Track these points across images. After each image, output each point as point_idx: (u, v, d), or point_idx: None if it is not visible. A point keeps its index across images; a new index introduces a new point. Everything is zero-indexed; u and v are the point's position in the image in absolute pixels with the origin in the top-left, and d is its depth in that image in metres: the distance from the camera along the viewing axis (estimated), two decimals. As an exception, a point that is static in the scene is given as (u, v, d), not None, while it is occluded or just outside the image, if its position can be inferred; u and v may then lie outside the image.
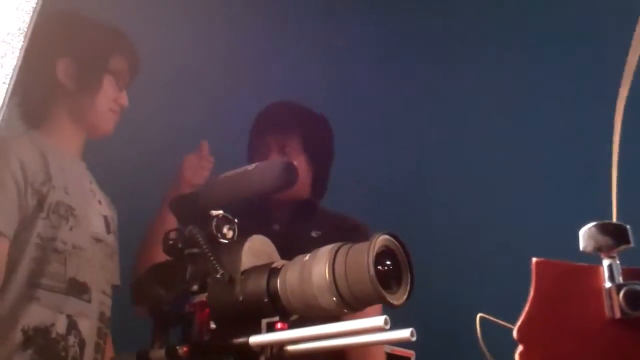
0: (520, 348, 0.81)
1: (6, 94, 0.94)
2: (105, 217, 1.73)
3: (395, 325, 0.88)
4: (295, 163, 1.90)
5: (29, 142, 1.64)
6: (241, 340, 1.01)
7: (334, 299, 0.96)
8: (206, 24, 2.47)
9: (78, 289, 1.60)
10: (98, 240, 1.68)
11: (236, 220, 1.16)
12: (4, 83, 0.95)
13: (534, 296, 0.83)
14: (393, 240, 0.97)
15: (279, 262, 1.06)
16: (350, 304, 0.96)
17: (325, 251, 0.98)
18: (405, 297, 0.97)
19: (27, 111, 1.70)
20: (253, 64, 2.65)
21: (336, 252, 0.97)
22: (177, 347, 1.07)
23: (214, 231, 1.13)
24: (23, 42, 0.97)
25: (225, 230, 1.14)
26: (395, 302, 0.95)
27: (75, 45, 1.69)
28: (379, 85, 2.84)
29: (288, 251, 1.09)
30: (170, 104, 2.32)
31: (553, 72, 2.82)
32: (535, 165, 2.73)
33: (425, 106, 2.91)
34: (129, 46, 1.76)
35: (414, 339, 0.91)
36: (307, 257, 1.01)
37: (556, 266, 0.84)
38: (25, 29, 0.97)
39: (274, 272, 1.03)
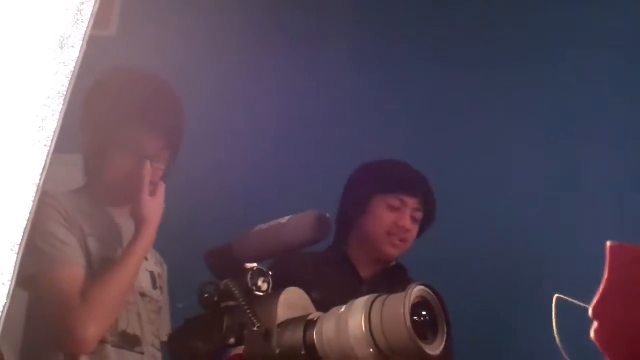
0: (595, 325, 0.83)
1: (48, 156, 0.97)
2: (152, 273, 1.74)
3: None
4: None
5: (78, 197, 1.67)
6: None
7: (371, 350, 0.97)
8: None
9: (130, 341, 1.62)
10: (143, 295, 1.69)
11: (270, 273, 1.17)
12: (45, 146, 0.98)
13: (609, 277, 0.85)
14: (428, 290, 0.98)
15: (314, 314, 1.07)
16: (387, 356, 0.97)
17: (361, 302, 0.99)
18: (442, 346, 0.97)
19: (85, 167, 1.71)
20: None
21: (372, 303, 0.98)
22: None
23: (249, 284, 1.15)
24: (63, 104, 1.00)
25: (260, 282, 1.16)
26: (432, 353, 0.96)
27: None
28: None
29: None
30: (222, 157, 2.34)
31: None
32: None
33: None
34: (168, 120, 1.70)
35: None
36: (342, 309, 1.02)
37: (630, 250, 0.87)
38: (65, 92, 1.00)
39: (310, 324, 1.04)
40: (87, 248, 1.61)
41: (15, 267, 0.92)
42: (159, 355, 1.71)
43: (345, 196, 2.04)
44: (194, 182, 1.99)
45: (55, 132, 0.99)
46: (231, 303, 1.16)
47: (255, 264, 1.16)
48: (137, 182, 1.63)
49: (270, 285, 1.17)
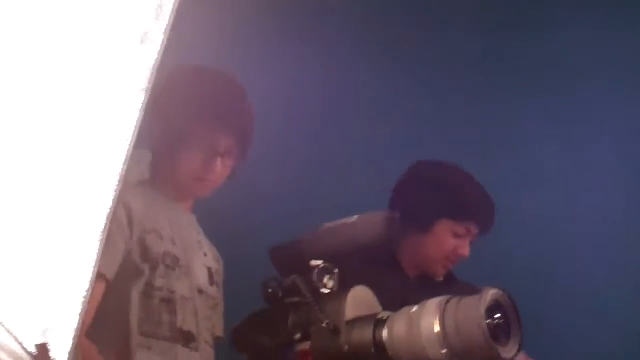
0: None
1: (129, 149, 0.99)
2: (209, 269, 1.76)
3: None
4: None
5: (140, 191, 1.69)
6: (349, 390, 1.03)
7: (444, 351, 0.98)
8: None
9: (187, 337, 1.64)
10: (201, 291, 1.71)
11: (336, 271, 1.18)
12: (127, 140, 0.99)
13: None
14: (502, 294, 0.98)
15: (384, 313, 1.07)
16: (460, 356, 0.98)
17: (435, 303, 1.00)
18: (516, 350, 0.98)
19: (153, 162, 1.73)
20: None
21: (446, 304, 0.99)
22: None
23: (316, 281, 1.16)
24: (144, 99, 1.01)
25: (326, 280, 1.17)
26: (507, 355, 0.96)
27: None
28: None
29: None
30: (279, 150, 2.34)
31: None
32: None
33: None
34: (236, 118, 1.71)
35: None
36: (414, 309, 1.02)
37: None
38: (146, 87, 1.02)
39: (380, 322, 1.05)
40: (144, 244, 1.63)
41: (97, 256, 0.94)
42: (212, 352, 1.73)
43: (405, 202, 1.98)
44: (252, 179, 2.00)
45: (136, 126, 1.01)
46: (296, 299, 1.17)
47: (321, 262, 1.18)
48: (207, 177, 1.66)
49: (336, 284, 1.18)
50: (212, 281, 1.76)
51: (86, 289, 0.92)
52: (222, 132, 1.69)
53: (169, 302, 1.64)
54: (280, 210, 1.97)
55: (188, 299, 1.66)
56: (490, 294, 0.97)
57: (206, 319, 1.71)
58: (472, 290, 2.04)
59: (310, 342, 1.12)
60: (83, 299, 0.91)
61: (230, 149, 1.70)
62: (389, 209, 1.98)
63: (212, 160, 1.68)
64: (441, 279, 2.01)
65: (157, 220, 1.67)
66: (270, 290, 1.20)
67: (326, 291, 1.16)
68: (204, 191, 1.76)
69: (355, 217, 1.15)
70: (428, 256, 1.94)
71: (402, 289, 1.86)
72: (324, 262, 1.18)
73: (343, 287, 1.15)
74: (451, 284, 2.01)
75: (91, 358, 1.47)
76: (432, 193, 1.95)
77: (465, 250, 1.94)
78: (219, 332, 1.76)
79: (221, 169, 1.69)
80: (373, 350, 1.04)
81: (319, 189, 2.08)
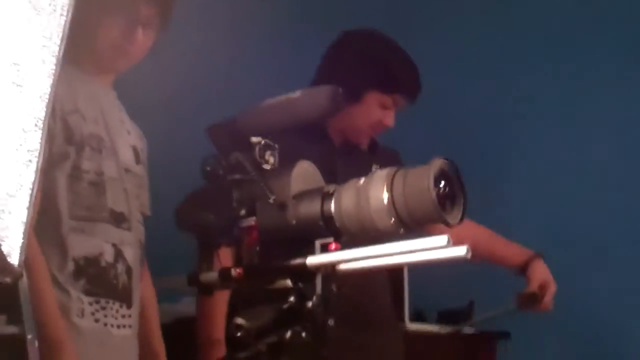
0: None
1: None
2: (134, 148, 1.73)
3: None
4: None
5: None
6: (298, 261, 1.05)
7: (392, 220, 1.00)
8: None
9: (118, 218, 1.62)
10: (127, 170, 1.68)
11: (277, 146, 1.18)
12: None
13: None
14: (448, 163, 1.01)
15: (329, 186, 1.08)
16: (407, 225, 1.00)
17: (382, 175, 1.02)
18: (460, 216, 1.01)
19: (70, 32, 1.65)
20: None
21: (394, 175, 1.00)
22: (231, 269, 1.10)
23: (258, 158, 1.16)
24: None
25: (267, 156, 1.17)
26: (452, 221, 1.00)
27: None
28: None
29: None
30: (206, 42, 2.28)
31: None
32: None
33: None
34: None
35: (469, 255, 0.96)
36: (361, 181, 1.04)
37: None
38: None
39: (327, 196, 1.06)
40: (68, 126, 1.58)
41: (41, 143, 0.90)
42: (142, 230, 1.73)
43: (336, 73, 1.98)
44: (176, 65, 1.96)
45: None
46: (238, 176, 1.17)
47: (261, 138, 1.17)
48: (128, 47, 1.61)
49: (277, 160, 1.18)
50: (137, 160, 1.73)
51: (32, 180, 0.88)
52: (143, 0, 1.63)
53: (98, 184, 1.61)
54: (204, 91, 1.94)
55: (116, 180, 1.64)
56: (438, 163, 0.99)
57: (135, 198, 1.70)
58: (394, 155, 2.10)
59: (255, 218, 1.13)
60: (30, 191, 0.87)
61: (151, 18, 1.65)
62: (316, 77, 1.99)
63: (133, 28, 1.63)
64: (365, 147, 2.05)
65: (77, 98, 1.62)
66: (209, 168, 1.20)
67: (268, 167, 1.16)
68: (124, 63, 1.71)
69: (298, 91, 1.14)
70: (355, 126, 1.97)
71: (329, 157, 1.89)
72: (265, 138, 1.18)
73: (281, 162, 1.15)
74: (375, 151, 2.05)
75: (33, 250, 1.44)
76: (362, 65, 1.97)
77: (390, 120, 1.99)
78: (148, 210, 1.75)
79: (142, 39, 1.64)
80: (321, 223, 1.05)
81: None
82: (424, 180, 0.97)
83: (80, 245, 1.57)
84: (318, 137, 1.98)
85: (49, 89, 0.92)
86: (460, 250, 0.97)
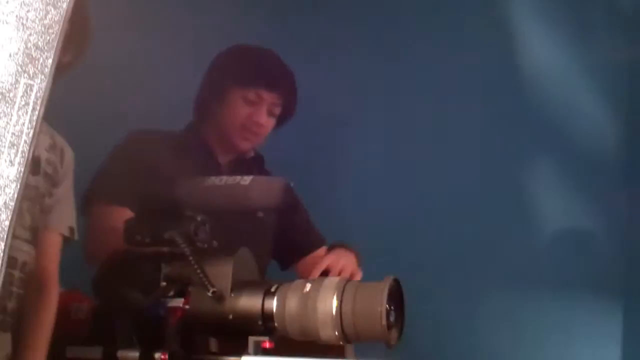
0: None
1: None
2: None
3: None
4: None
5: None
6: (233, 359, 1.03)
7: (336, 333, 1.01)
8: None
9: None
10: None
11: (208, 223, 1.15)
12: None
13: None
14: (396, 283, 1.03)
15: (270, 283, 1.07)
16: (349, 338, 1.02)
17: (332, 285, 1.02)
18: (397, 337, 1.04)
19: None
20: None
21: (344, 288, 1.01)
22: (155, 354, 1.06)
23: (192, 234, 1.12)
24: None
25: (200, 233, 1.13)
26: (392, 342, 1.02)
27: None
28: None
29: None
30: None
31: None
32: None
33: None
34: None
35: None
36: (308, 288, 1.03)
37: None
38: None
39: (268, 293, 1.05)
40: None
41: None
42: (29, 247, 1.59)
43: (205, 79, 1.96)
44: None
45: None
46: (167, 249, 1.13)
47: (199, 214, 1.13)
48: None
49: (209, 235, 1.15)
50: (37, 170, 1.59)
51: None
52: None
53: None
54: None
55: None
56: (389, 284, 1.01)
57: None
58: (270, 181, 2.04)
59: (184, 299, 1.09)
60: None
61: None
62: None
63: None
64: (252, 153, 2.00)
65: None
66: (138, 237, 1.15)
67: (203, 246, 1.13)
68: None
69: (248, 178, 1.11)
70: (226, 127, 1.91)
71: (212, 174, 1.84)
72: (201, 214, 1.14)
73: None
74: (261, 173, 1.98)
75: None
76: (224, 63, 1.95)
77: (260, 116, 1.90)
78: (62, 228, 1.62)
79: None
80: (260, 322, 1.04)
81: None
82: (376, 301, 0.99)
83: None
84: (201, 152, 1.94)
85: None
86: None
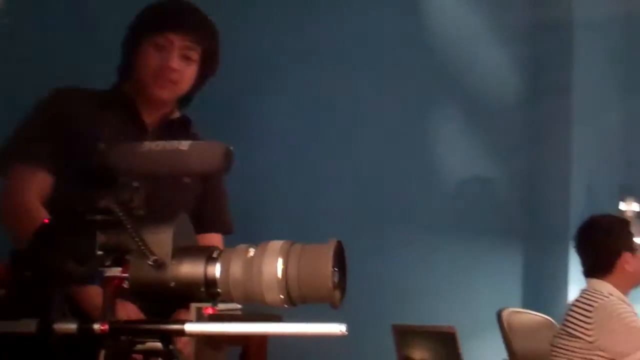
0: None
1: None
2: None
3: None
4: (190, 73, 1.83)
5: None
6: (177, 327, 1.02)
7: (281, 296, 1.01)
8: None
9: None
10: None
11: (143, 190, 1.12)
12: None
13: None
14: (339, 245, 1.03)
15: (212, 249, 1.06)
16: (294, 302, 1.02)
17: (276, 249, 1.01)
18: (341, 298, 1.05)
19: None
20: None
21: (288, 251, 1.01)
22: (94, 325, 1.03)
23: (128, 201, 1.09)
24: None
25: (136, 200, 1.10)
26: (337, 303, 1.03)
27: None
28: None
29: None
30: None
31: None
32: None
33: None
34: None
35: (345, 333, 1.01)
36: (252, 252, 1.03)
37: None
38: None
39: (211, 260, 1.04)
40: None
41: None
42: None
43: (125, 36, 1.94)
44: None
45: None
46: (101, 217, 1.09)
47: (135, 182, 1.10)
48: None
49: (143, 203, 1.12)
50: None
51: None
52: None
53: None
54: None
55: None
56: (334, 246, 1.01)
57: None
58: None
59: (122, 269, 1.07)
60: None
61: None
62: None
63: None
64: (178, 115, 1.95)
65: None
66: (71, 206, 1.10)
67: (139, 213, 1.10)
68: None
69: (187, 143, 1.08)
70: (140, 78, 1.87)
71: (137, 138, 1.80)
72: (136, 180, 1.11)
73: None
74: (188, 135, 1.93)
75: None
76: (138, 15, 1.92)
77: (172, 61, 1.85)
78: None
79: None
80: (203, 289, 1.03)
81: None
82: (322, 264, 0.99)
83: None
84: (125, 111, 1.88)
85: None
86: (336, 328, 1.00)
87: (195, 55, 1.89)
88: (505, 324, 3.17)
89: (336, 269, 1.02)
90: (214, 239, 1.90)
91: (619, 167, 4.30)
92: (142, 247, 1.04)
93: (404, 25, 4.01)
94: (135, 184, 1.10)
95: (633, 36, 4.42)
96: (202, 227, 1.78)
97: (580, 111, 4.42)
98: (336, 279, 1.02)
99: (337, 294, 1.03)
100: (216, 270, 1.03)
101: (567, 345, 2.79)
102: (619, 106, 4.42)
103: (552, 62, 4.55)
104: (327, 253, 1.00)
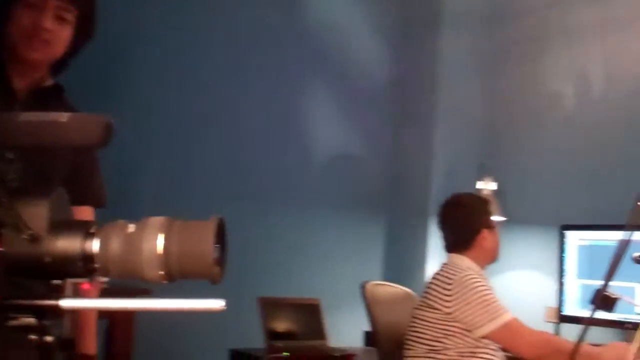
0: None
1: None
2: None
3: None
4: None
5: None
6: (51, 302, 1.00)
7: (161, 272, 1.01)
8: None
9: None
10: None
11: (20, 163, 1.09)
12: None
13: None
14: (221, 221, 1.04)
15: (90, 224, 1.04)
16: (174, 278, 1.02)
17: (156, 224, 1.01)
18: (221, 274, 1.06)
19: None
20: None
21: (169, 227, 1.01)
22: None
23: (2, 174, 1.06)
24: None
25: (12, 174, 1.07)
26: (217, 279, 1.04)
27: None
28: None
29: None
30: None
31: None
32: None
33: None
34: None
35: (225, 308, 1.03)
36: (132, 228, 1.02)
37: None
38: None
39: (89, 235, 1.02)
40: None
41: None
42: None
43: None
44: None
45: None
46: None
47: (10, 153, 1.07)
48: None
49: (18, 175, 1.09)
50: None
51: None
52: None
53: None
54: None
55: None
56: (216, 222, 1.02)
57: None
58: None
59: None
60: None
61: None
62: None
63: None
64: (51, 82, 1.88)
65: None
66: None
67: (13, 185, 1.07)
68: None
69: (66, 115, 1.05)
70: (11, 40, 1.79)
71: (6, 108, 1.72)
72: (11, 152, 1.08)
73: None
74: (60, 104, 1.87)
75: None
76: None
77: (45, 21, 1.79)
78: None
79: None
80: (80, 264, 1.02)
81: None
82: (204, 240, 1.00)
83: None
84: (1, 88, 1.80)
85: None
86: (216, 304, 1.02)
87: (70, 16, 1.84)
88: (368, 296, 3.27)
89: (217, 245, 1.04)
90: (85, 212, 1.85)
91: (478, 148, 4.52)
92: (17, 221, 1.01)
93: (284, 10, 4.08)
94: (9, 155, 1.07)
95: (494, 22, 4.63)
96: (75, 199, 1.73)
97: (442, 94, 4.61)
98: (217, 255, 1.04)
99: (218, 269, 1.04)
100: (94, 245, 1.02)
101: (426, 316, 2.93)
102: (479, 90, 4.63)
103: (417, 49, 4.72)
104: (209, 229, 1.01)
